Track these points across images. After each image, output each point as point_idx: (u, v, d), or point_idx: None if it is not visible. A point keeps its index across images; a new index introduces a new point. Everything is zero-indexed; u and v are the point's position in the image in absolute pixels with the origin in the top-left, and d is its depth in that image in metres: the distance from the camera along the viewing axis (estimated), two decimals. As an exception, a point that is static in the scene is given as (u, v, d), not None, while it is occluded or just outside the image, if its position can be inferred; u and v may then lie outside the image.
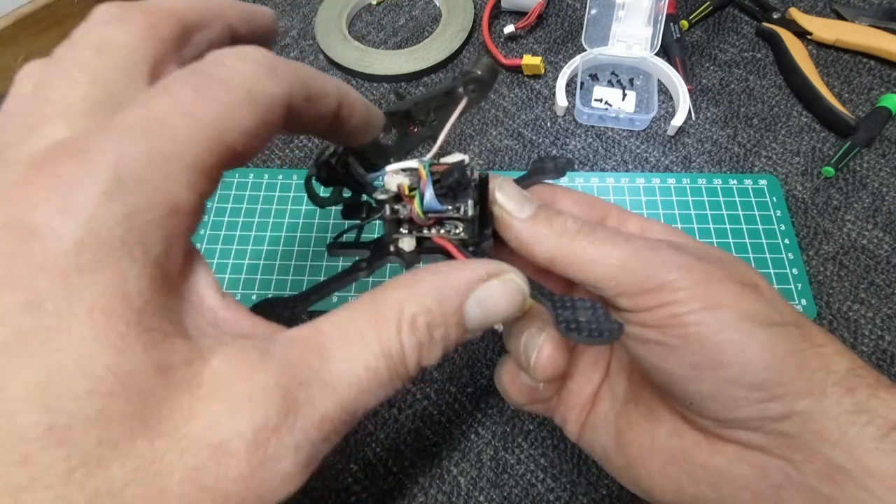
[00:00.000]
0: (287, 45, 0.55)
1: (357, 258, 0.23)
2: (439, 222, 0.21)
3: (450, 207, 0.20)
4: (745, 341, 0.18)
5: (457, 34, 0.53)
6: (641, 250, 0.20)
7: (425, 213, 0.20)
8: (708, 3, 0.53)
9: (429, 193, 0.20)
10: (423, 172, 0.20)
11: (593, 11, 0.50)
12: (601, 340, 0.18)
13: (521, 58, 0.49)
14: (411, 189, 0.20)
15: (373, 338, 0.15)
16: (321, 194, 0.22)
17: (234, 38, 0.18)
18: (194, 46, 0.17)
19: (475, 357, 0.38)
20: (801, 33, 0.50)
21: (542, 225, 0.21)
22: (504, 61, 0.50)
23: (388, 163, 0.21)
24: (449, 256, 0.21)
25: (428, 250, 0.22)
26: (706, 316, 0.18)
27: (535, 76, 0.51)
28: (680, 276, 0.19)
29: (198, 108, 0.13)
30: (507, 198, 0.21)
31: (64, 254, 0.12)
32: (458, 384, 0.37)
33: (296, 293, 0.21)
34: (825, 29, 0.50)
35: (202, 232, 0.43)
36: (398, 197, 0.20)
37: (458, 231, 0.21)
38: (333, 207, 0.23)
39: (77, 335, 0.11)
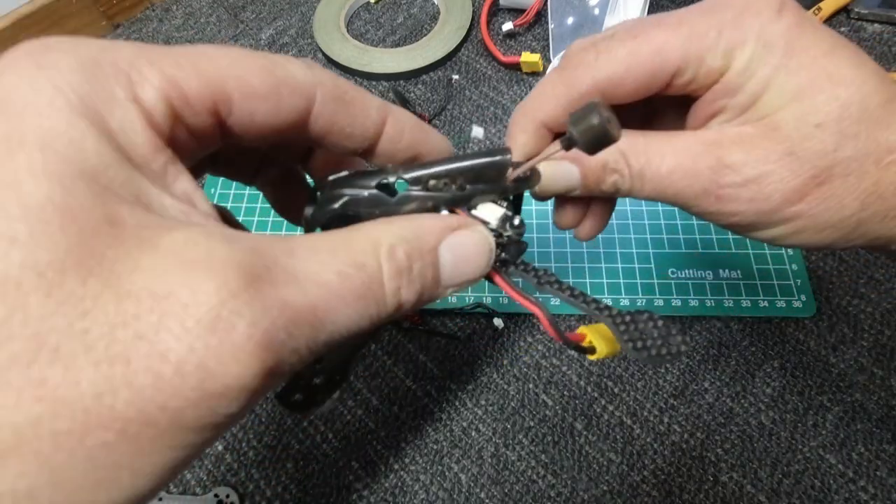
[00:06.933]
0: (285, 44, 0.55)
1: None
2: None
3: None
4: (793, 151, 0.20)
5: (455, 32, 0.53)
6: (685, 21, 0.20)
7: None
8: None
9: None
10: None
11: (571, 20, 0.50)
12: (669, 360, 0.18)
13: (520, 55, 0.49)
14: None
15: (345, 253, 0.14)
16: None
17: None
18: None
19: (475, 354, 0.38)
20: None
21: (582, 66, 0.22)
22: (502, 59, 0.50)
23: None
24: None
25: None
26: (791, 111, 0.20)
27: (534, 73, 0.51)
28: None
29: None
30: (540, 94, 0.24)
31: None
32: (459, 381, 0.37)
33: None
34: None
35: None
36: None
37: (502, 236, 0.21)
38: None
39: (23, 164, 0.11)
